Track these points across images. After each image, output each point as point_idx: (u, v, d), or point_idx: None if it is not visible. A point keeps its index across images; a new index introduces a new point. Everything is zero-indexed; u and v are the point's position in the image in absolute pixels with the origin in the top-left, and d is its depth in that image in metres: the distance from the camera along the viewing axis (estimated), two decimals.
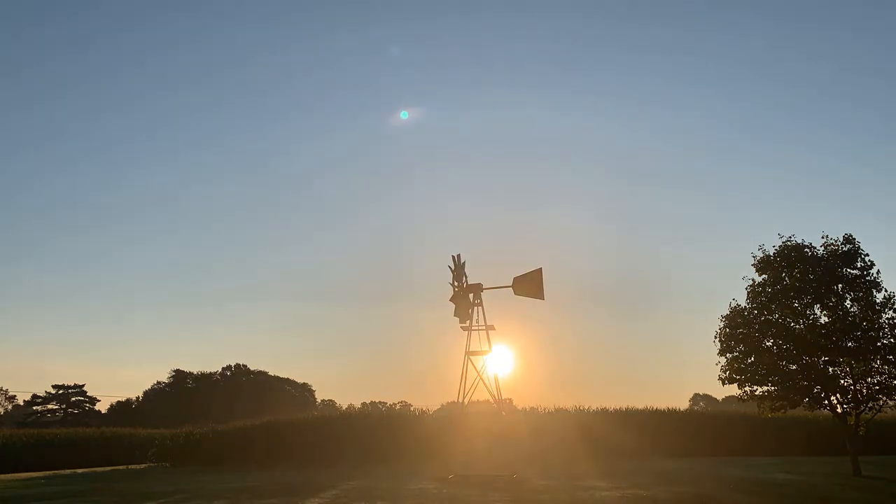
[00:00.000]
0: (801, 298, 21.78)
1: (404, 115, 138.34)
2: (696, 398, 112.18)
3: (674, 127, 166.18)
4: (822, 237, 22.26)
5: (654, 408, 35.53)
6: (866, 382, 21.33)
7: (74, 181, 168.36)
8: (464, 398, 20.02)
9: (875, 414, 22.17)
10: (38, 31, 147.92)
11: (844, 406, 21.79)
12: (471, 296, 21.13)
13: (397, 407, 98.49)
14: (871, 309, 21.09)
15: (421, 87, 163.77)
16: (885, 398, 21.31)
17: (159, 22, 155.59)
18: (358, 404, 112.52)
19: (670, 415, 35.47)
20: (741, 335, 22.03)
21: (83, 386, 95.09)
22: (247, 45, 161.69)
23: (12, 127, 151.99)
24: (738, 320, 22.28)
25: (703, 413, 42.83)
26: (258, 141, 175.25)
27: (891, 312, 21.06)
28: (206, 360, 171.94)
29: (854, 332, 20.89)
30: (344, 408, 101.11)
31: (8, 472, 33.37)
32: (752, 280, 22.92)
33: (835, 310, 21.48)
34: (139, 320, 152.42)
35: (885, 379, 21.02)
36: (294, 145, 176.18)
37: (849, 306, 21.54)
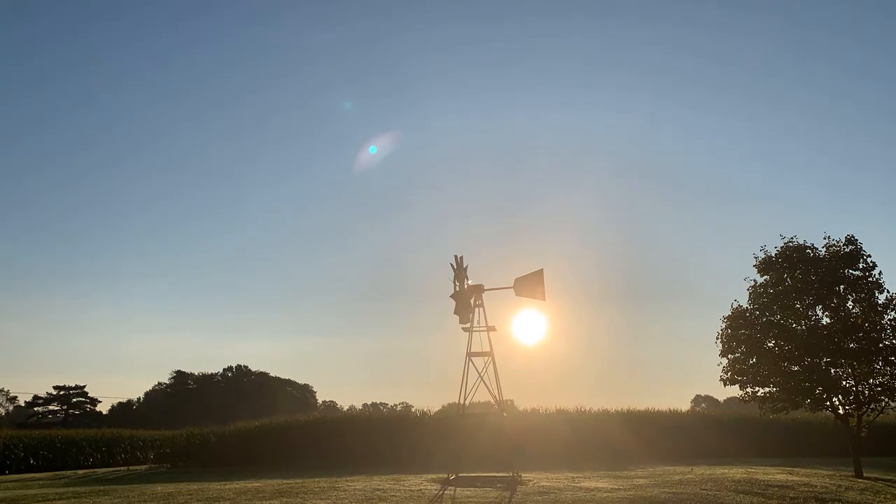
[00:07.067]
0: (802, 299, 21.78)
1: (373, 149, 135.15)
2: (698, 399, 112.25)
3: (674, 127, 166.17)
4: (824, 238, 22.29)
5: (656, 409, 35.61)
6: (868, 384, 21.33)
7: (76, 180, 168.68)
8: (465, 399, 19.97)
9: (877, 415, 22.19)
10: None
11: (846, 407, 21.79)
12: (472, 297, 21.07)
13: (398, 408, 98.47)
14: (874, 310, 21.09)
15: (410, 100, 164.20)
16: (887, 399, 21.30)
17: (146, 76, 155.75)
18: (359, 405, 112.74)
19: (672, 416, 35.49)
20: (743, 336, 22.02)
21: (84, 387, 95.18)
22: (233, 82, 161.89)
23: (9, 117, 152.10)
24: (740, 321, 22.28)
25: (704, 414, 42.78)
26: (259, 152, 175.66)
27: (893, 314, 21.08)
28: (207, 361, 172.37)
29: (856, 334, 20.89)
30: (345, 409, 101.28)
31: (9, 473, 33.41)
32: (754, 281, 22.95)
33: (837, 311, 21.48)
34: (140, 321, 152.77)
35: (886, 380, 21.02)
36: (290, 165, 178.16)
37: (851, 307, 21.54)
